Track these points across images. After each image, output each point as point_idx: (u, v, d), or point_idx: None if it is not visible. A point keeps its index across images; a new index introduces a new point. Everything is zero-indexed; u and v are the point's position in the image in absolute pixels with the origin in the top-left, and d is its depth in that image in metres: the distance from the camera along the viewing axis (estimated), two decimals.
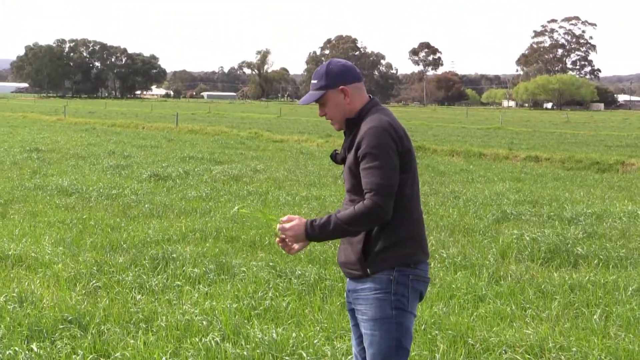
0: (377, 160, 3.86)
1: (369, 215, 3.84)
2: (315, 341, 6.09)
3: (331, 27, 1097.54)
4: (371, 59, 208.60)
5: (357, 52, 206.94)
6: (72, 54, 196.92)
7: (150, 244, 9.64)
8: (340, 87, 4.07)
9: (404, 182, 3.96)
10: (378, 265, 3.96)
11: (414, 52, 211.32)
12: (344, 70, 4.10)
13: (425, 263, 4.10)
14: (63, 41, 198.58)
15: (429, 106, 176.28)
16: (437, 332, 6.42)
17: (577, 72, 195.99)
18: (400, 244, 3.96)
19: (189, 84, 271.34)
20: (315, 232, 3.95)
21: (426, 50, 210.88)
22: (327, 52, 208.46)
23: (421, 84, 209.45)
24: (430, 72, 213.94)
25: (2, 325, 6.24)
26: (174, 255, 8.82)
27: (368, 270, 3.98)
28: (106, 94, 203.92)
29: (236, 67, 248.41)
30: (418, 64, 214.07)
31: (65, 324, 6.35)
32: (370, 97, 4.16)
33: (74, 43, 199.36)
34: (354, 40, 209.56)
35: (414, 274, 4.00)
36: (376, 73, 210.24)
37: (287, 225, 4.02)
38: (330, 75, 4.09)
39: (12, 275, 8.07)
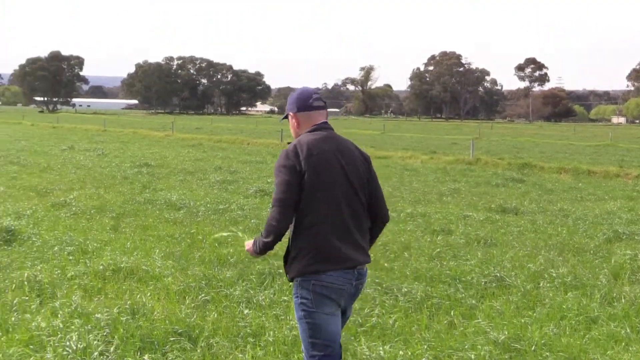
0: (275, 178, 4.51)
1: (267, 226, 4.49)
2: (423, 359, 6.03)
3: (435, 43, 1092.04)
4: (476, 75, 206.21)
5: (462, 68, 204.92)
6: (179, 71, 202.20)
7: (256, 260, 9.71)
8: (290, 113, 4.74)
9: (301, 199, 4.42)
10: (291, 273, 4.54)
11: (520, 68, 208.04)
12: (296, 99, 4.71)
13: (329, 272, 4.43)
14: (171, 59, 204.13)
15: (534, 123, 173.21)
16: (548, 353, 6.26)
17: None
18: (301, 254, 4.46)
19: None
20: (254, 246, 4.64)
21: (532, 66, 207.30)
22: (430, 68, 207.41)
23: (527, 100, 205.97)
24: (536, 88, 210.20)
25: (116, 336, 6.39)
26: (281, 271, 8.86)
27: (288, 276, 4.59)
28: (212, 110, 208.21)
29: (340, 83, 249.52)
30: (524, 80, 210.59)
31: (175, 337, 6.46)
32: (319, 123, 4.67)
33: (181, 60, 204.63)
34: (458, 57, 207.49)
35: (316, 279, 4.44)
36: (481, 89, 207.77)
37: (247, 248, 4.74)
38: (288, 102, 4.79)
39: (124, 287, 8.27)
